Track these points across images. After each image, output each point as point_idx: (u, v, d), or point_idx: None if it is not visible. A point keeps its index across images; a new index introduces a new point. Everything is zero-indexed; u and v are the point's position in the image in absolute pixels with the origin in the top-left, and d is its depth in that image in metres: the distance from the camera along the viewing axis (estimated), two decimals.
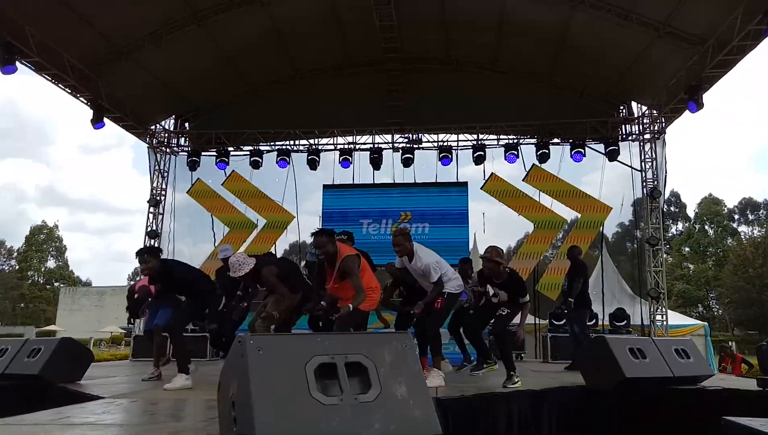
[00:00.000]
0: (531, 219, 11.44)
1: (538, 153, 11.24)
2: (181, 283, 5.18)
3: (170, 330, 5.08)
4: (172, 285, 5.18)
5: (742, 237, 43.56)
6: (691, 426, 4.36)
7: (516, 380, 4.79)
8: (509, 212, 11.39)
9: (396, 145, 11.88)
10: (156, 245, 11.00)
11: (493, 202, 11.44)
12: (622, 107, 11.55)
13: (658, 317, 10.64)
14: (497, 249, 5.20)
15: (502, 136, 11.63)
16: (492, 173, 11.52)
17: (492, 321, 5.25)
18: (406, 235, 5.21)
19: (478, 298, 5.46)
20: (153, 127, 12.02)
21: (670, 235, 44.26)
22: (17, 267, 49.09)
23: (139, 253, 5.11)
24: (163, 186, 12.12)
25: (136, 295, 6.73)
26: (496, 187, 11.45)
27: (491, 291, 5.17)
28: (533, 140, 11.45)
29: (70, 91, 9.71)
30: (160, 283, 5.19)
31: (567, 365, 7.03)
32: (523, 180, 11.45)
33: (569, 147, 11.28)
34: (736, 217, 46.58)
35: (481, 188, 11.49)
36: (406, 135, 11.86)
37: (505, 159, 11.32)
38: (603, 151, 11.29)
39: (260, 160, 11.89)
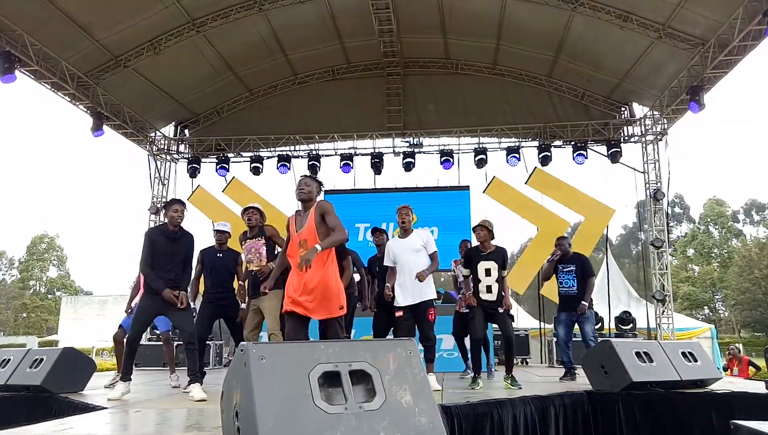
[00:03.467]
0: (534, 222, 11.40)
1: (540, 156, 11.22)
2: (190, 249, 5.04)
3: (200, 338, 4.98)
4: (184, 246, 4.98)
5: (747, 238, 43.44)
6: (700, 430, 4.32)
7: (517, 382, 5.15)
8: (512, 216, 11.36)
9: (397, 149, 11.88)
10: None
11: (495, 205, 11.39)
12: (623, 109, 11.54)
13: (664, 320, 10.58)
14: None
15: (503, 139, 11.63)
16: (494, 177, 11.49)
17: (497, 322, 5.39)
18: (410, 210, 5.24)
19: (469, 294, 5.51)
20: (153, 134, 12.02)
21: (674, 237, 44.20)
22: (19, 277, 49.18)
23: (176, 201, 5.04)
24: (164, 193, 12.12)
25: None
26: (498, 190, 11.41)
27: (484, 267, 5.32)
28: (535, 143, 11.43)
29: (69, 99, 9.72)
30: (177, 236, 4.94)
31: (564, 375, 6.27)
32: (525, 183, 11.42)
33: (571, 149, 11.27)
34: (741, 218, 46.48)
35: (483, 192, 11.45)
36: (406, 139, 11.86)
37: (507, 162, 11.31)
38: (605, 153, 11.28)
39: (261, 166, 11.90)
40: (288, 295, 4.03)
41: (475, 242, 5.81)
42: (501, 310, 5.27)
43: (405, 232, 5.20)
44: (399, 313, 5.06)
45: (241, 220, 5.38)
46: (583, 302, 6.14)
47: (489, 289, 5.30)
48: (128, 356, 4.89)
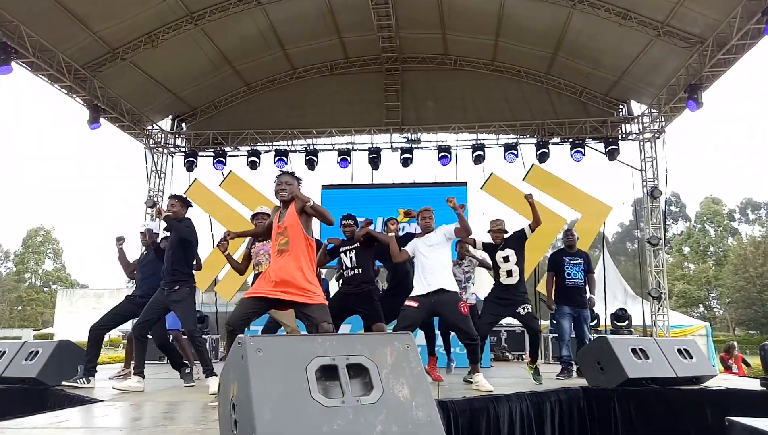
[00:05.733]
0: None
1: (538, 152, 11.20)
2: (189, 238, 4.99)
3: (192, 334, 4.80)
4: (182, 239, 4.93)
5: (743, 237, 43.67)
6: (695, 426, 4.35)
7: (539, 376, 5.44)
8: (509, 212, 11.33)
9: (394, 145, 11.87)
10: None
11: (493, 202, 11.37)
12: (621, 106, 11.53)
13: (660, 317, 10.61)
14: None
15: (501, 136, 11.62)
16: (491, 173, 11.47)
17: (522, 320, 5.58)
18: (432, 212, 5.39)
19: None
20: (150, 127, 11.98)
21: (670, 235, 44.39)
22: (14, 269, 49.06)
23: (174, 196, 5.06)
24: (160, 187, 12.08)
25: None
26: (495, 187, 11.39)
27: (502, 256, 5.57)
28: (533, 140, 11.43)
29: (66, 91, 9.67)
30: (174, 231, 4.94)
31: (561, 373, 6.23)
32: (523, 180, 11.41)
33: (569, 146, 11.27)
34: (737, 216, 46.73)
35: (480, 188, 11.44)
36: (404, 135, 11.84)
37: (505, 158, 11.29)
38: (603, 151, 11.28)
39: (258, 161, 11.84)
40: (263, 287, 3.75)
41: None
42: (524, 311, 5.40)
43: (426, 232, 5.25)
44: (414, 304, 4.79)
45: (241, 218, 5.42)
46: (592, 296, 6.47)
47: (510, 273, 5.52)
48: (140, 350, 4.85)
